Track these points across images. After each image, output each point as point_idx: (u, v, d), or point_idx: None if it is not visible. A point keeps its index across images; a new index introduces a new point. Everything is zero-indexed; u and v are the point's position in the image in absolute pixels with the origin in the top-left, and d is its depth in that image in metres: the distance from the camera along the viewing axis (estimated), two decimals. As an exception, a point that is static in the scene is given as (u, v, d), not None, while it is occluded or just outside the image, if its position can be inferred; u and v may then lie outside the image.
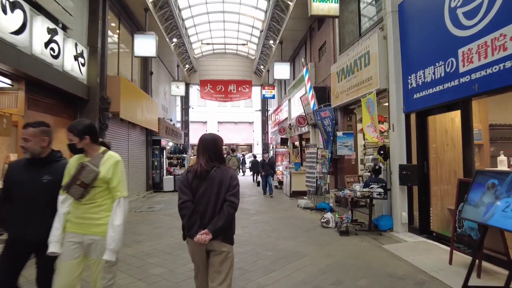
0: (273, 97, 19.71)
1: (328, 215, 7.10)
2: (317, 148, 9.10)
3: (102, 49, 9.38)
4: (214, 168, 2.55)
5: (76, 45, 7.98)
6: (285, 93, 19.49)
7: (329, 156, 9.38)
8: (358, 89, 8.03)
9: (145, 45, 11.49)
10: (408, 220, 6.35)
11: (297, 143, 16.59)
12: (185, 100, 23.12)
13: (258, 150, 37.58)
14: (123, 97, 10.05)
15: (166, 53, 16.58)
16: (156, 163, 15.03)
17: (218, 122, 43.15)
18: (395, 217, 6.52)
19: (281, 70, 14.80)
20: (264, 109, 23.86)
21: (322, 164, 8.94)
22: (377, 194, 6.43)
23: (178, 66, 18.78)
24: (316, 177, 8.95)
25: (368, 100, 7.31)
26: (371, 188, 6.53)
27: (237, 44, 21.32)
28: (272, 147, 23.96)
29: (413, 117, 6.41)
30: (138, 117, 11.84)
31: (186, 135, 22.55)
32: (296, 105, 15.20)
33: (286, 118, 17.58)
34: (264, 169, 12.48)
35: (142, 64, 14.42)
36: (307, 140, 15.57)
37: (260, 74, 22.40)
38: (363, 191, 6.46)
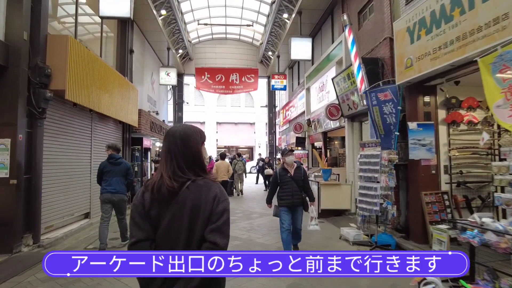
0: (284, 88, 16.28)
1: (437, 281, 3.62)
2: (381, 149, 5.63)
3: (36, -9, 5.93)
4: (187, 184, 1.52)
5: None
6: (298, 84, 16.09)
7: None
8: (465, 44, 4.59)
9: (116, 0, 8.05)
10: None
11: (318, 144, 13.12)
12: (178, 93, 19.64)
13: (260, 153, 34.28)
14: (74, 68, 6.58)
15: (152, 29, 13.15)
16: (136, 168, 11.55)
17: (217, 123, 39.93)
18: None
19: (300, 48, 11.39)
20: (271, 105, 20.38)
21: (388, 174, 5.48)
22: (557, 243, 2.98)
23: (168, 49, 15.33)
24: (380, 195, 5.47)
25: (500, 57, 3.87)
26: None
27: (240, 26, 17.90)
28: (279, 150, 20.52)
29: None
30: (104, 103, 8.38)
31: (179, 134, 19.00)
32: (320, 94, 11.77)
33: (303, 112, 14.14)
34: (284, 193, 5.24)
35: (119, 38, 10.96)
36: (330, 139, 12.12)
37: (268, 63, 18.98)
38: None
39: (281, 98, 21.09)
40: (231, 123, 40.71)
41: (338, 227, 7.07)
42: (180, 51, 17.33)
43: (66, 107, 7.09)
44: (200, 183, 1.56)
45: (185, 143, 1.59)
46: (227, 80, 16.67)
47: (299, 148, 14.14)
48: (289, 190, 5.23)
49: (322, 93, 11.24)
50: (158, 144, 14.35)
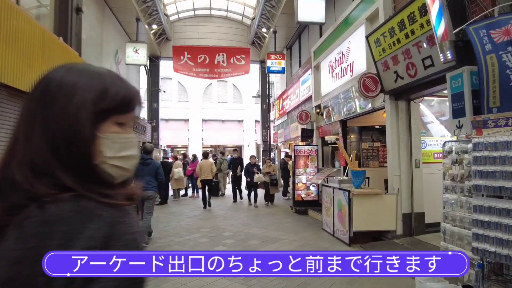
0: (283, 70, 13.28)
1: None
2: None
3: None
4: (27, 212, 0.62)
5: None
6: (299, 66, 13.16)
7: None
8: None
9: None
10: None
11: (330, 138, 10.18)
12: (152, 80, 16.37)
13: (249, 153, 31.54)
14: None
15: (112, -13, 9.99)
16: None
17: (203, 120, 36.76)
18: None
19: (310, 8, 8.41)
20: (265, 94, 17.23)
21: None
22: None
23: (138, 20, 12.15)
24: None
25: None
26: None
27: (228, -3, 14.83)
28: (275, 147, 17.56)
29: None
30: (18, 72, 5.21)
31: (155, 129, 15.84)
32: (336, 70, 8.82)
33: (308, 98, 11.20)
34: None
35: (57, -11, 7.77)
36: (349, 131, 9.16)
37: (260, 43, 15.96)
38: None
39: (275, 87, 18.15)
40: (218, 120, 37.63)
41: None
42: (155, 26, 14.12)
43: None
44: (52, 213, 0.62)
45: (50, 101, 0.69)
46: (212, 61, 13.62)
47: (304, 143, 11.18)
48: None
49: (341, 67, 8.30)
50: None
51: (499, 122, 2.80)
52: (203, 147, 34.95)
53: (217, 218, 8.45)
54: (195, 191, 13.02)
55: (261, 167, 10.83)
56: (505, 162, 2.70)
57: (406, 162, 6.08)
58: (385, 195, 5.86)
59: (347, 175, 7.12)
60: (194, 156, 13.60)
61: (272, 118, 17.69)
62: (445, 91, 6.29)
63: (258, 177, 10.07)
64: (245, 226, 7.41)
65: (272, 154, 17.76)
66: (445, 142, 3.78)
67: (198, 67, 13.57)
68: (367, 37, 6.03)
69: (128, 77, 13.83)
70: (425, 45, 4.65)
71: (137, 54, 11.90)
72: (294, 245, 5.82)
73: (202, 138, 35.85)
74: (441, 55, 4.03)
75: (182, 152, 18.45)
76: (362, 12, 7.13)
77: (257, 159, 11.28)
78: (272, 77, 18.96)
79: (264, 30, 14.50)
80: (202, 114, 36.70)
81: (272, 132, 17.10)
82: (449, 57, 3.94)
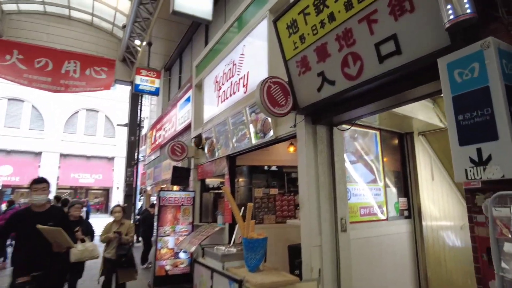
0: (156, 91, 10.33)
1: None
2: None
3: None
4: None
5: None
6: (178, 88, 10.49)
7: None
8: None
9: None
10: None
11: (213, 181, 7.47)
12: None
13: (116, 198, 26.58)
14: None
15: None
16: None
17: (61, 155, 29.86)
18: None
19: (193, -3, 6.00)
20: (134, 122, 13.57)
21: None
22: None
23: None
24: None
25: None
26: None
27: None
28: (143, 192, 13.89)
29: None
30: None
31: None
32: (225, 87, 6.40)
33: (186, 128, 8.47)
34: None
35: None
36: (237, 173, 6.62)
37: (133, 60, 12.81)
38: None
39: (150, 117, 14.94)
40: (82, 156, 31.24)
41: None
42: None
43: None
44: None
45: None
46: (58, 69, 9.77)
47: (176, 188, 8.22)
48: None
49: (231, 82, 5.93)
50: None
51: None
52: (58, 188, 28.04)
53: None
54: (3, 259, 8.36)
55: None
56: None
57: (329, 223, 3.77)
58: (300, 284, 3.33)
59: (234, 242, 4.44)
60: (11, 203, 9.02)
61: (143, 154, 14.20)
62: (370, 118, 4.29)
63: (77, 253, 4.20)
64: None
65: (140, 202, 14.01)
66: (497, 195, 1.47)
67: (35, 73, 9.49)
68: (275, 22, 3.78)
69: None
70: (386, 15, 2.56)
71: None
72: None
73: (58, 177, 28.79)
74: (448, 7, 1.88)
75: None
76: (264, 3, 5.05)
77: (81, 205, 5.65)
78: (148, 109, 15.78)
79: (137, 42, 11.52)
80: (62, 147, 30.17)
81: (140, 171, 13.50)
82: (468, 11, 1.82)
